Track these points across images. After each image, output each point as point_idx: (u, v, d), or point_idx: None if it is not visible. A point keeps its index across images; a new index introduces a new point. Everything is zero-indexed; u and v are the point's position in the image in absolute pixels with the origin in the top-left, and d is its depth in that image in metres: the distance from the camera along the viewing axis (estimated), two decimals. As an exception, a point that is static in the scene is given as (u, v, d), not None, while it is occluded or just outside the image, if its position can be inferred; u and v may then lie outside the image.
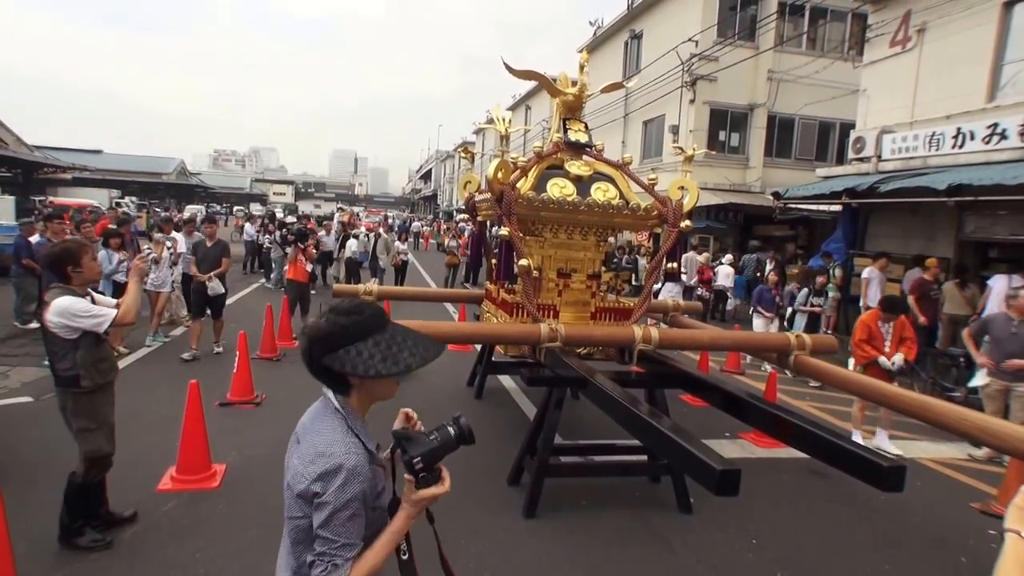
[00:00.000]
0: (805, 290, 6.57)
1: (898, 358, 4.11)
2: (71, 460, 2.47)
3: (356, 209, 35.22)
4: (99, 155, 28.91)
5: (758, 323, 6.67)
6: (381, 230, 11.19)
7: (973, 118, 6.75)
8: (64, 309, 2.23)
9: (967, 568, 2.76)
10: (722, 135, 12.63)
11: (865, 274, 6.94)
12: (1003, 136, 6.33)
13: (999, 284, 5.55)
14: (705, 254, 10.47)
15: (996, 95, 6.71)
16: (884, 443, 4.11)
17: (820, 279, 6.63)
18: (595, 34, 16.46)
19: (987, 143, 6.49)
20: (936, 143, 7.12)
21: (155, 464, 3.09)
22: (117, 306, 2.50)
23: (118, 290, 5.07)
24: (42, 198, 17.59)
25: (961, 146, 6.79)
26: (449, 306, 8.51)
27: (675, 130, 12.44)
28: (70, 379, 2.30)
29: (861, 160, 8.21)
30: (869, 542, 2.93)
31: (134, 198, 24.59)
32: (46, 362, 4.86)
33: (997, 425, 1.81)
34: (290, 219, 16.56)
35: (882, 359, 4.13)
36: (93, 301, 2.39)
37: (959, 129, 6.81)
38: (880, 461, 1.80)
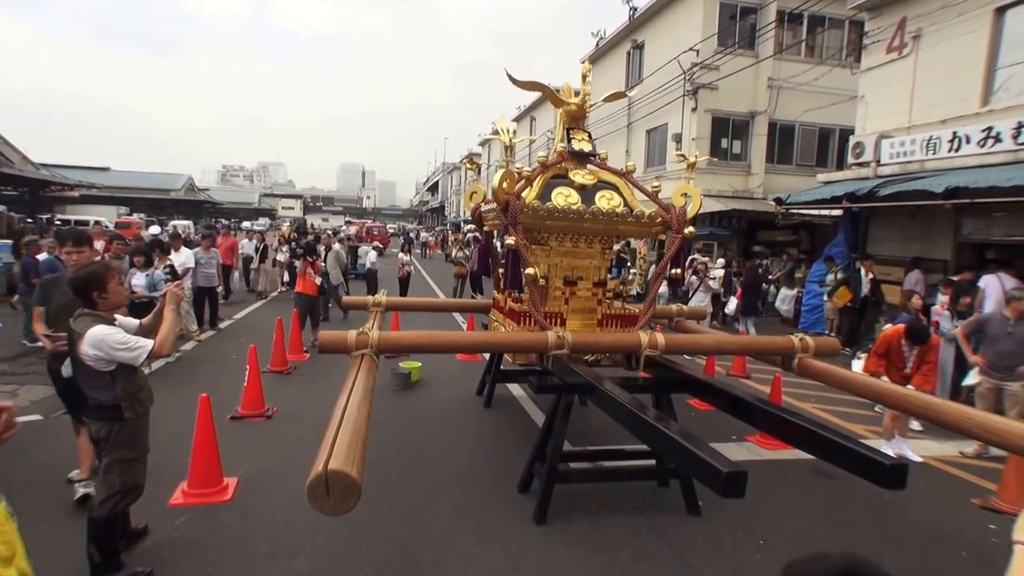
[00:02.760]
0: (947, 314, 5.51)
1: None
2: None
3: (365, 222, 35.95)
4: (106, 172, 29.48)
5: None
6: (335, 243, 9.54)
7: (968, 122, 6.85)
8: (100, 340, 2.11)
9: (967, 562, 2.80)
10: (724, 143, 12.75)
11: (990, 285, 5.71)
12: (997, 139, 6.43)
13: (992, 284, 5.65)
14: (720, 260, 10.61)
15: (990, 99, 6.82)
16: (907, 452, 4.04)
17: (965, 300, 5.38)
18: (597, 45, 16.72)
19: (982, 146, 6.59)
20: (933, 147, 7.21)
21: (167, 478, 3.11)
22: (140, 327, 2.42)
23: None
24: (48, 215, 17.87)
25: (957, 150, 6.88)
26: (458, 316, 8.60)
27: (678, 138, 12.58)
28: (112, 410, 2.21)
29: (860, 165, 8.29)
30: (874, 540, 2.96)
31: (142, 215, 25.02)
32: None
33: (998, 423, 1.85)
34: (328, 229, 16.28)
35: (883, 380, 3.99)
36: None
37: (955, 133, 6.91)
38: (883, 460, 1.85)
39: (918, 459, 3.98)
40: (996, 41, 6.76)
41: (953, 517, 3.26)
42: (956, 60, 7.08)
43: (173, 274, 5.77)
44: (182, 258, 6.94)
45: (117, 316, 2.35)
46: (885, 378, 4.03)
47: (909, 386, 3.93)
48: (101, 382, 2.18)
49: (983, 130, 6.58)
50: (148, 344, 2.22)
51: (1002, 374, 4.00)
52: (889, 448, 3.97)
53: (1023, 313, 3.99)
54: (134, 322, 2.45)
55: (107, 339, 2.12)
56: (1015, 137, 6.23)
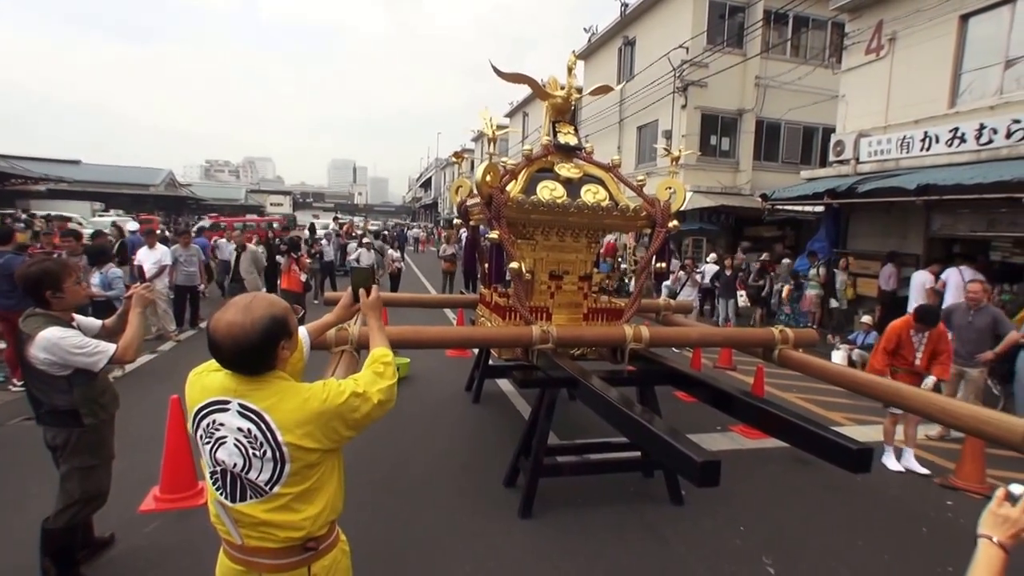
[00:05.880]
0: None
1: (929, 381, 3.70)
2: (40, 486, 2.37)
3: (356, 219, 35.48)
4: (77, 166, 28.11)
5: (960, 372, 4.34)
6: (251, 242, 8.14)
7: (937, 123, 7.13)
8: (52, 344, 1.93)
9: (925, 537, 2.95)
10: (713, 139, 12.90)
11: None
12: (962, 140, 6.73)
13: (953, 277, 5.96)
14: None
15: (956, 102, 7.12)
16: (912, 464, 3.80)
17: None
18: (590, 41, 16.73)
19: (950, 146, 6.88)
20: (907, 146, 7.46)
21: (137, 484, 3.02)
22: (103, 328, 2.23)
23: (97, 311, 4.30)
24: (12, 211, 16.95)
25: (928, 149, 7.15)
26: (449, 311, 8.59)
27: (668, 135, 12.69)
28: (69, 416, 2.06)
29: (841, 162, 8.49)
30: (846, 521, 3.08)
31: (120, 211, 24.16)
32: (18, 386, 4.65)
33: (957, 406, 1.95)
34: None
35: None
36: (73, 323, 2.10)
37: (926, 133, 7.17)
38: (849, 445, 1.91)
39: (899, 468, 3.79)
40: (961, 46, 7.06)
41: (916, 496, 3.44)
42: (927, 63, 7.34)
43: (142, 275, 5.57)
44: (157, 256, 6.75)
45: (77, 316, 2.18)
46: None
47: (929, 379, 3.70)
48: (56, 387, 2.02)
49: (950, 131, 6.87)
50: (109, 349, 2.05)
51: (963, 360, 4.22)
52: (911, 457, 3.77)
53: (979, 303, 4.18)
54: (96, 323, 2.26)
55: (61, 342, 1.95)
56: (977, 138, 6.55)
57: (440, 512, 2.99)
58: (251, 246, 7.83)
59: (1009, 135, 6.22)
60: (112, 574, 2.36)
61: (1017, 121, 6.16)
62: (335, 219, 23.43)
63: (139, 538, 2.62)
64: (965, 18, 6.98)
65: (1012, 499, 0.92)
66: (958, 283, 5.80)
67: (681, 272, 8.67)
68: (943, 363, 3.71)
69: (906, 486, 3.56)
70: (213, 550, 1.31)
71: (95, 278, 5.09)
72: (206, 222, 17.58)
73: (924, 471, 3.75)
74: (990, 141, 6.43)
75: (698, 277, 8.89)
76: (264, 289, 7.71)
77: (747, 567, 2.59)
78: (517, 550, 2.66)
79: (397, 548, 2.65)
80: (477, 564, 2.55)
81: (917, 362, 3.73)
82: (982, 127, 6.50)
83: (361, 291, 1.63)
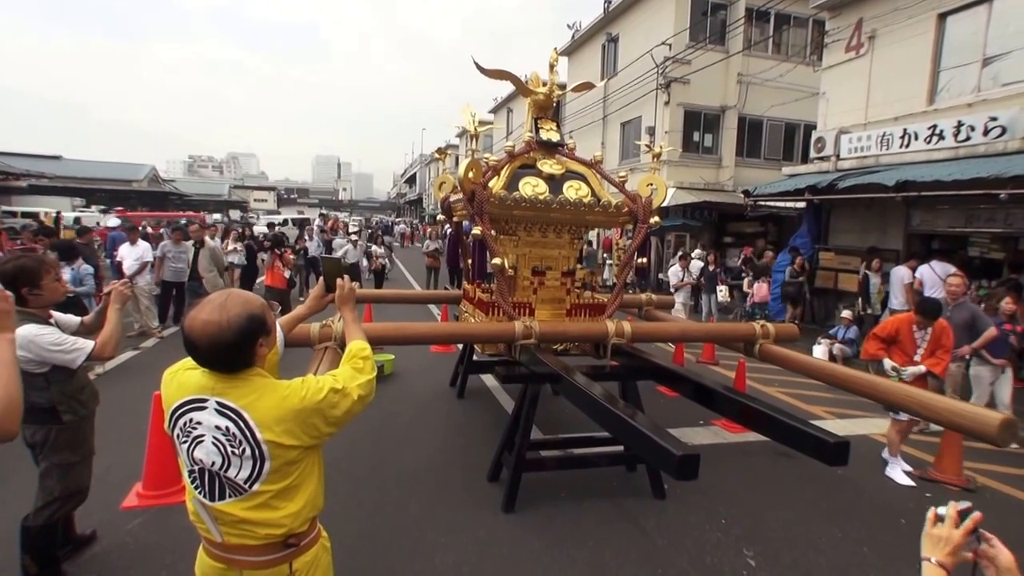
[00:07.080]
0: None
1: (916, 368, 3.52)
2: (19, 483, 2.33)
3: (341, 215, 35.07)
4: (58, 161, 27.46)
5: (982, 372, 4.35)
6: (207, 237, 7.23)
7: (916, 120, 7.26)
8: (28, 341, 1.93)
9: (904, 528, 3.01)
10: (696, 136, 13.01)
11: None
12: (941, 137, 6.87)
13: (926, 274, 6.10)
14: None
15: (935, 99, 7.26)
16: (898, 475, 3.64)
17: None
18: (573, 37, 16.70)
19: (928, 143, 7.02)
20: (886, 143, 7.60)
21: (119, 481, 2.98)
22: (82, 325, 2.24)
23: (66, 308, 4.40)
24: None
25: (907, 146, 7.30)
26: (433, 307, 8.53)
27: (651, 131, 12.75)
28: (47, 413, 2.07)
29: (822, 159, 8.63)
30: (826, 514, 3.12)
31: (102, 207, 23.56)
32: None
33: (934, 400, 1.99)
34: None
35: (886, 361, 3.65)
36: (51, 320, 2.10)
37: (905, 130, 7.31)
38: (827, 438, 1.94)
39: (910, 483, 3.55)
40: (939, 45, 7.20)
41: (896, 488, 3.50)
42: (906, 61, 7.47)
43: (120, 271, 5.41)
44: (138, 252, 6.57)
45: (55, 314, 2.17)
46: (888, 361, 3.63)
47: (916, 367, 3.55)
48: (33, 384, 2.01)
49: (929, 127, 7.01)
50: (87, 345, 2.05)
51: None
52: (898, 466, 3.64)
53: (957, 297, 4.25)
54: (75, 320, 2.27)
55: (38, 339, 1.95)
56: (956, 135, 6.69)
57: (423, 507, 2.98)
58: (210, 242, 7.18)
59: (986, 132, 6.36)
60: (94, 571, 2.33)
61: (994, 118, 6.31)
62: (321, 215, 23.23)
63: (121, 535, 2.59)
64: (943, 16, 7.13)
65: (940, 519, 0.92)
66: (932, 278, 5.96)
67: (681, 269, 8.64)
68: (940, 357, 3.56)
69: (885, 477, 3.63)
70: (196, 547, 1.29)
71: (66, 274, 4.96)
72: (113, 219, 14.74)
73: (909, 482, 3.56)
74: (968, 138, 6.57)
75: (700, 278, 9.01)
76: (237, 286, 7.29)
77: (728, 559, 2.62)
78: (500, 544, 2.66)
79: (380, 542, 2.63)
80: (460, 558, 2.54)
81: (918, 358, 3.60)
82: (960, 124, 6.64)
83: (339, 281, 1.58)
